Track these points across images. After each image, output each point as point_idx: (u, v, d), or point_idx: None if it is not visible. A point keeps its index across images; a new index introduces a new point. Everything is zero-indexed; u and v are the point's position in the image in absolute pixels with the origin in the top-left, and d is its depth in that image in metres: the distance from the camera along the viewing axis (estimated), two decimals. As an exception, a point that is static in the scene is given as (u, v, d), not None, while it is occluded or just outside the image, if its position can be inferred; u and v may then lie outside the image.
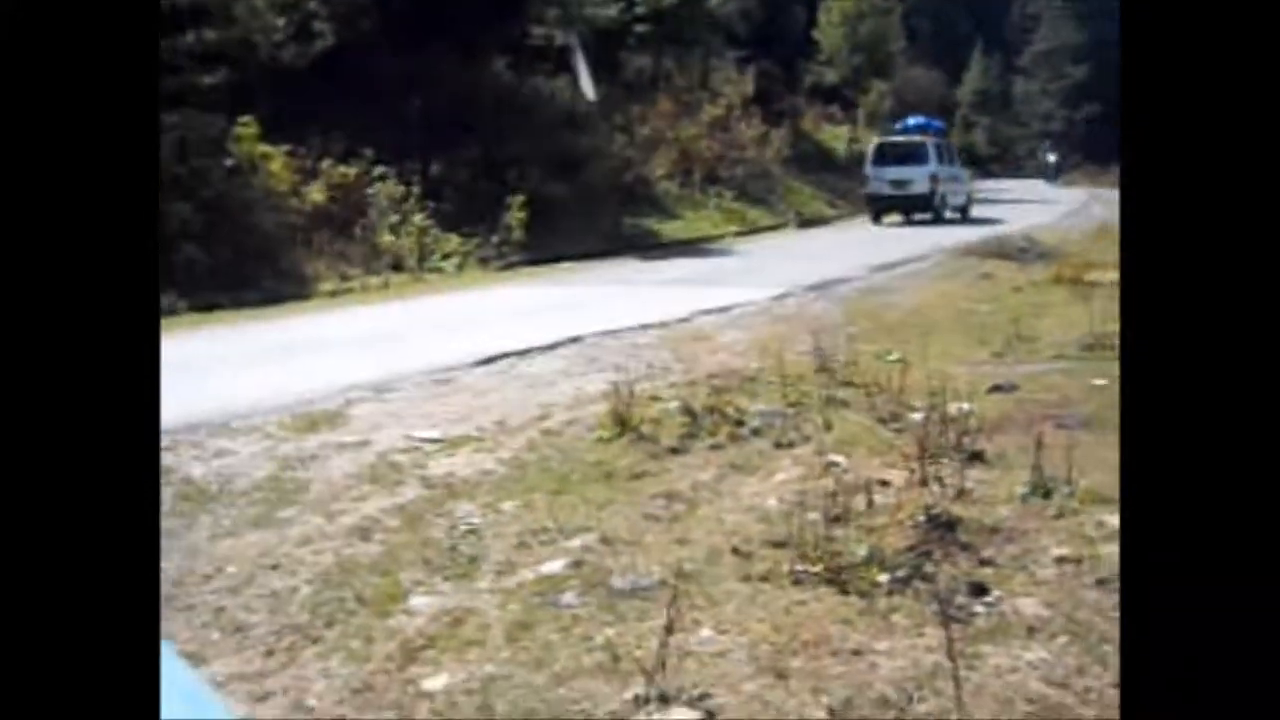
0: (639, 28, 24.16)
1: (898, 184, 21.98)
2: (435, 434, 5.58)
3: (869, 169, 22.60)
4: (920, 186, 21.85)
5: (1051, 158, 46.52)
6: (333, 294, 12.56)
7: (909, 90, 37.78)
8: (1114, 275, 11.63)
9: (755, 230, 21.14)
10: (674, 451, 5.17)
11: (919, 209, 22.12)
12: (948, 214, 22.29)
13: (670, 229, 19.58)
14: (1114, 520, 4.06)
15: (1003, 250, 14.52)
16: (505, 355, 7.64)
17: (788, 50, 32.08)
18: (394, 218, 15.16)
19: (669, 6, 23.79)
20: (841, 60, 32.12)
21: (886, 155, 22.50)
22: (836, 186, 28.10)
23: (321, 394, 6.50)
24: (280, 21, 15.71)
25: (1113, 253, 13.91)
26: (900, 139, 23.71)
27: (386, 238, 14.80)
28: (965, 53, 60.06)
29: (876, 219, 22.48)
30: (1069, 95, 62.26)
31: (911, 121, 25.77)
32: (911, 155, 22.20)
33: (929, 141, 23.06)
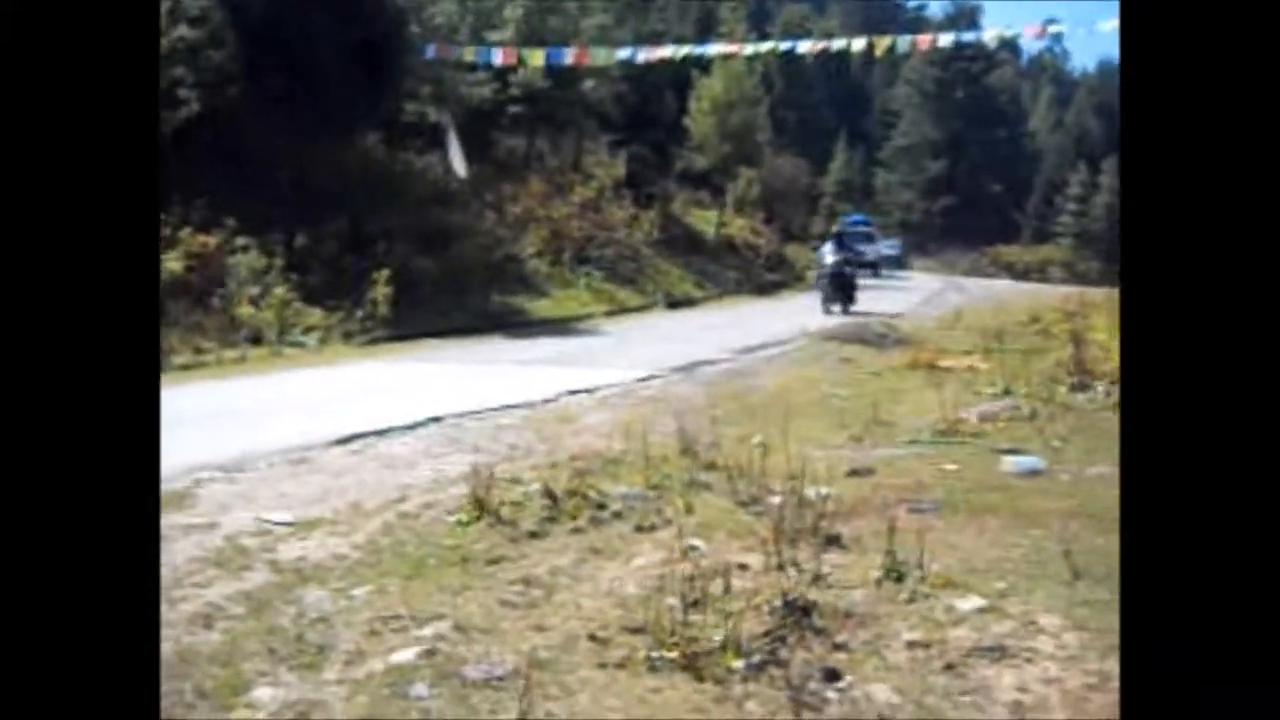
0: (513, 108, 24.38)
1: (858, 256, 30.84)
2: (287, 516, 5.40)
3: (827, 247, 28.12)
4: (870, 256, 36.31)
5: (889, 249, 48.58)
6: (185, 368, 12.13)
7: (776, 178, 38.88)
8: (966, 361, 12.07)
9: (624, 310, 21.33)
10: (533, 535, 5.11)
11: (870, 269, 34.00)
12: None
13: (539, 307, 19.60)
14: (962, 604, 4.15)
15: (862, 336, 14.94)
16: (364, 435, 7.48)
17: (659, 135, 32.72)
18: (254, 289, 14.78)
19: (542, 89, 24.09)
20: (711, 147, 32.86)
21: (848, 237, 29.66)
22: (705, 269, 28.60)
23: (168, 473, 6.22)
24: (143, 87, 15.36)
25: (965, 339, 14.48)
26: (859, 229, 37.83)
27: (246, 310, 14.40)
28: (829, 144, 62.32)
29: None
30: (927, 187, 65.05)
31: (855, 217, 41.36)
32: (868, 237, 38.53)
33: (875, 229, 41.14)
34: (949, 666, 3.60)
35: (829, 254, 22.14)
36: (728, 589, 4.21)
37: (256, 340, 13.94)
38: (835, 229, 32.75)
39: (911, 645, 3.79)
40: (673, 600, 4.11)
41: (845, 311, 20.52)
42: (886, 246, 47.12)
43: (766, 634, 3.82)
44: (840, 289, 21.46)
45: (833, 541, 4.93)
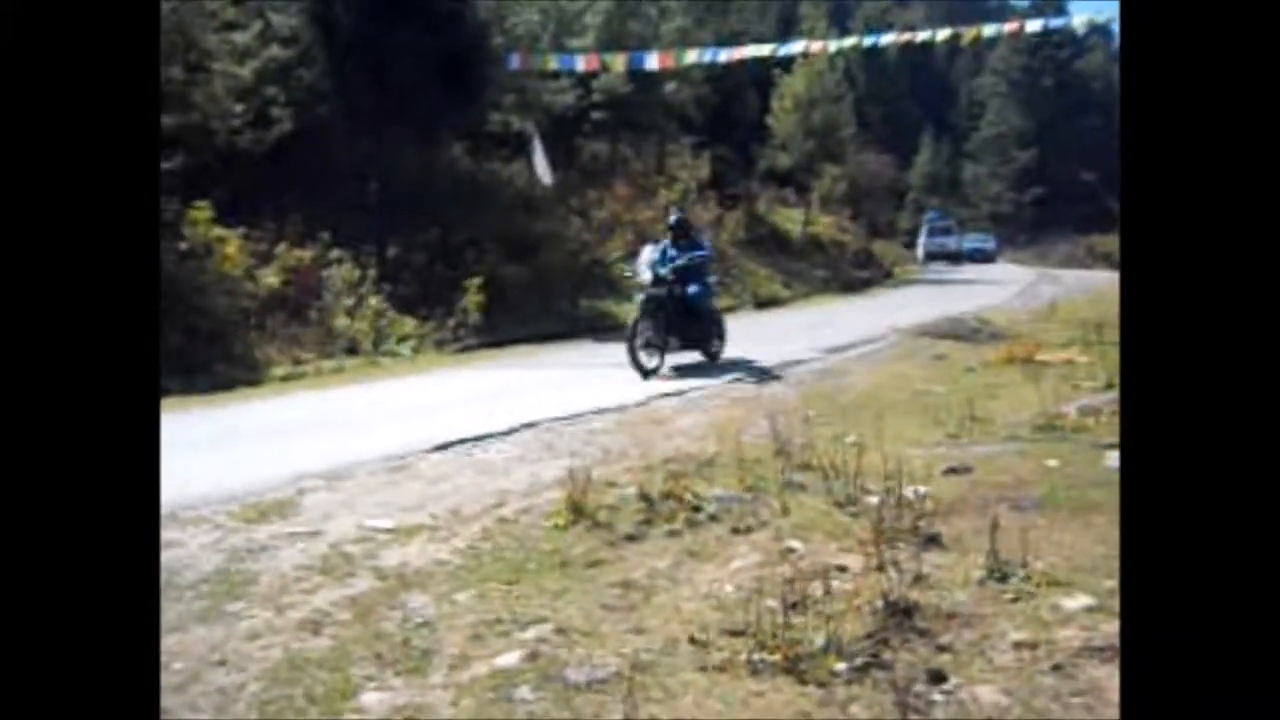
0: (595, 114, 24.50)
1: (941, 245, 45.15)
2: (388, 523, 5.50)
3: (923, 238, 45.31)
4: (953, 246, 45.37)
5: (976, 245, 47.99)
6: (285, 379, 12.44)
7: (861, 174, 38.46)
8: (1063, 355, 11.81)
9: (711, 312, 21.28)
10: (630, 539, 5.13)
11: (953, 259, 43.30)
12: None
13: (627, 311, 19.61)
14: (1069, 603, 4.07)
15: (955, 331, 14.70)
16: (460, 441, 7.58)
17: (742, 135, 32.63)
18: (349, 301, 15.10)
19: (625, 94, 24.18)
20: (795, 145, 32.68)
21: (933, 229, 46.11)
22: (791, 268, 28.41)
23: (273, 483, 6.40)
24: (239, 107, 15.78)
25: (1061, 333, 14.16)
26: (939, 223, 47.38)
27: (341, 321, 14.72)
28: (915, 138, 61.47)
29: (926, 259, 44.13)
30: (1016, 178, 63.75)
31: (934, 214, 49.55)
32: (946, 230, 47.03)
33: (953, 224, 48.33)
34: (1057, 667, 3.53)
35: (646, 266, 11.92)
36: (828, 591, 4.19)
37: (353, 350, 14.25)
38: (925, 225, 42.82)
39: (1018, 646, 3.73)
40: (772, 602, 4.10)
41: (654, 371, 11.35)
42: (978, 240, 47.41)
43: (868, 636, 3.79)
44: (665, 320, 11.68)
45: (932, 541, 4.87)
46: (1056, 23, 29.07)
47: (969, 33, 19.15)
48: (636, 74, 23.14)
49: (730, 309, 22.20)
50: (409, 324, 15.43)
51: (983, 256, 47.33)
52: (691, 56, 21.60)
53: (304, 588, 4.56)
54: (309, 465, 6.83)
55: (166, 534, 5.34)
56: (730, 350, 12.83)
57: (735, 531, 5.22)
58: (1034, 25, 23.31)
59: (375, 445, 7.46)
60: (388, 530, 5.39)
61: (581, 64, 21.40)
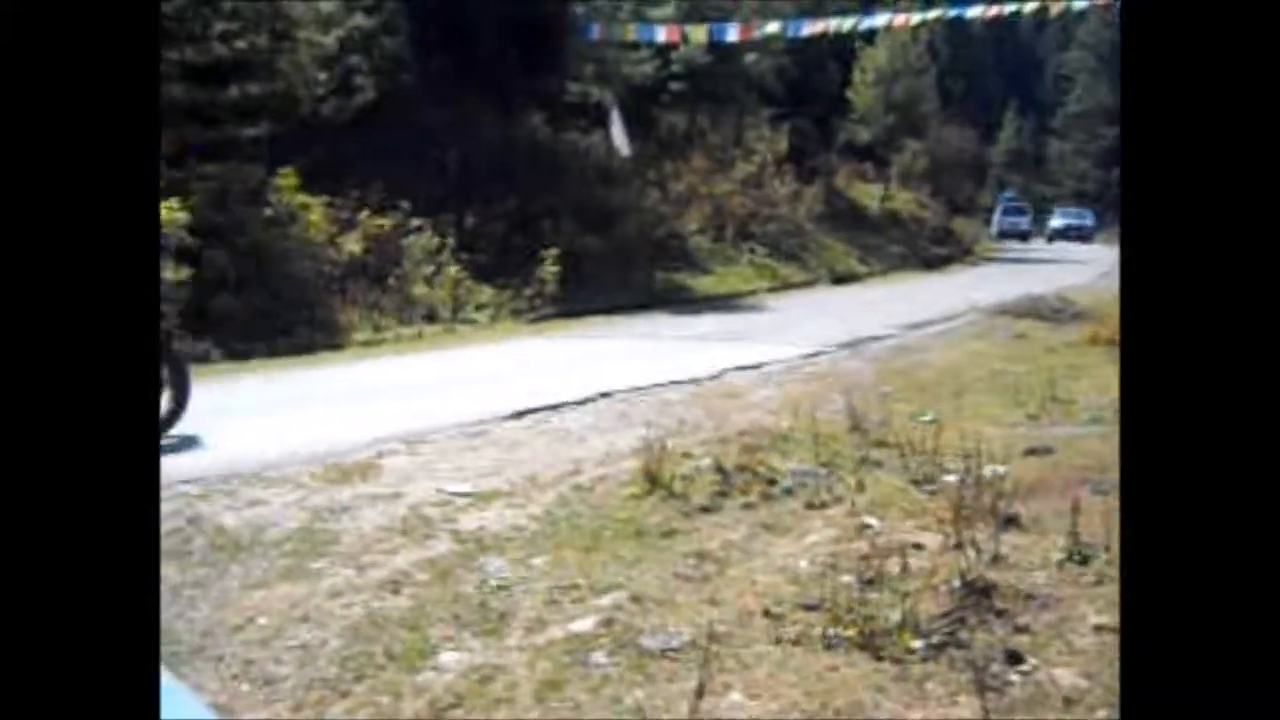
0: (674, 85, 24.41)
1: (1015, 225, 44.93)
2: (466, 488, 5.58)
3: (998, 216, 45.79)
4: (1025, 226, 45.17)
5: (1071, 221, 46.69)
6: (366, 344, 12.64)
7: (942, 150, 37.81)
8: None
9: (787, 286, 21.14)
10: (705, 510, 5.15)
11: (1023, 237, 43.85)
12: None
13: (702, 284, 19.63)
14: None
15: (1036, 310, 14.43)
16: (537, 409, 7.65)
17: (822, 108, 32.25)
18: (428, 269, 15.29)
19: (704, 65, 24.04)
20: (875, 119, 32.25)
21: (1007, 209, 46.22)
22: (868, 244, 28.09)
23: (354, 445, 6.52)
24: (322, 76, 16.00)
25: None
26: (1015, 204, 47.26)
27: (420, 289, 14.92)
28: (999, 114, 60.24)
29: (999, 235, 43.94)
30: (1103, 156, 62.25)
31: (1009, 194, 49.55)
32: (1020, 210, 46.48)
33: (1026, 205, 47.95)
34: (1139, 652, 3.48)
35: None
36: (904, 568, 4.17)
37: (431, 318, 14.44)
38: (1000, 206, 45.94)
39: (1099, 630, 3.67)
40: (848, 578, 4.09)
41: None
42: (1074, 216, 46.52)
43: (945, 615, 3.76)
44: None
45: (1011, 522, 4.81)
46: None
47: (1057, 5, 18.68)
48: (716, 45, 22.99)
49: (808, 284, 22.09)
50: (486, 292, 15.59)
51: (1078, 234, 45.43)
52: (773, 28, 21.40)
53: (384, 549, 4.65)
54: (389, 429, 6.94)
55: (252, 492, 5.47)
56: (807, 326, 12.76)
57: (810, 506, 5.20)
58: (1127, -3, 22.65)
59: (453, 411, 7.57)
60: (466, 495, 5.47)
61: (662, 35, 21.33)
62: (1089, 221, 47.43)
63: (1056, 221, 47.77)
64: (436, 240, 15.74)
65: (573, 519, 5.06)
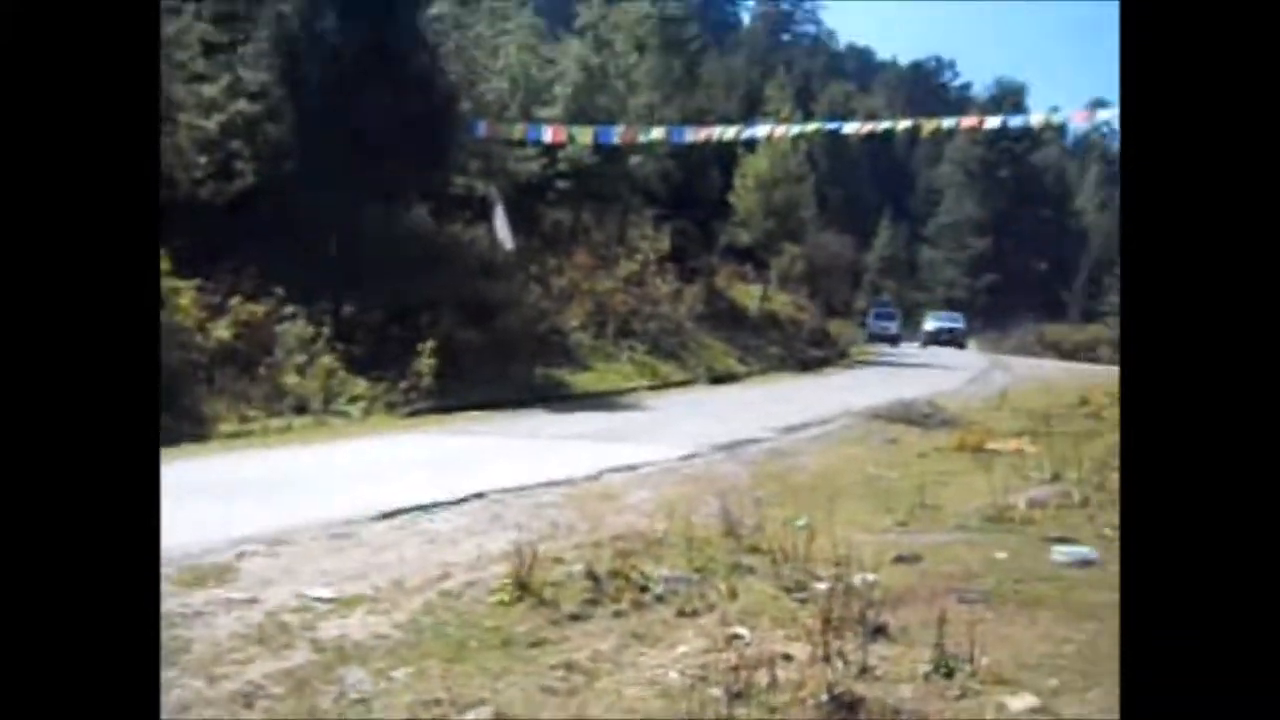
0: (560, 183, 24.68)
1: (884, 329, 47.40)
2: (329, 593, 5.38)
3: (870, 321, 48.41)
4: (894, 330, 47.63)
5: (944, 325, 48.22)
6: (232, 436, 12.24)
7: (819, 254, 38.96)
8: (1013, 444, 11.90)
9: (667, 385, 21.30)
10: (575, 618, 5.05)
11: (892, 341, 45.65)
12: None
13: (582, 380, 19.64)
14: (1014, 703, 4.04)
15: (908, 415, 14.80)
16: (407, 510, 7.47)
17: (704, 211, 32.99)
18: (301, 358, 14.94)
19: (590, 165, 24.39)
20: (755, 223, 33.07)
21: (878, 314, 49.08)
22: (747, 344, 28.58)
23: (212, 546, 6.24)
24: (202, 159, 15.72)
25: (1011, 422, 14.29)
26: (886, 310, 50.31)
27: (292, 379, 14.54)
28: (874, 221, 62.52)
29: (870, 339, 45.32)
30: (971, 264, 64.93)
31: (882, 300, 53.12)
32: (889, 316, 49.22)
33: (895, 311, 50.62)
34: (1002, 770, 3.49)
35: None
36: (773, 681, 4.13)
37: (302, 409, 14.05)
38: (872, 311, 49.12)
39: (963, 746, 3.68)
40: (716, 691, 4.04)
41: None
42: (947, 320, 48.08)
43: (813, 730, 3.73)
44: None
45: (880, 632, 4.83)
46: (1015, 120, 29.80)
47: (928, 125, 19.58)
48: (602, 147, 23.39)
49: (688, 383, 22.29)
50: (361, 385, 15.27)
51: (951, 337, 46.45)
52: (657, 134, 21.88)
53: (238, 658, 4.43)
54: (250, 529, 6.68)
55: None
56: (685, 426, 12.83)
57: (682, 614, 5.15)
58: (993, 121, 23.89)
59: (319, 510, 7.33)
60: (328, 600, 5.28)
61: (549, 135, 21.62)
62: (961, 325, 48.76)
63: (930, 325, 48.85)
64: (311, 329, 15.43)
65: (439, 627, 4.91)
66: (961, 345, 45.94)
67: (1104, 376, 21.09)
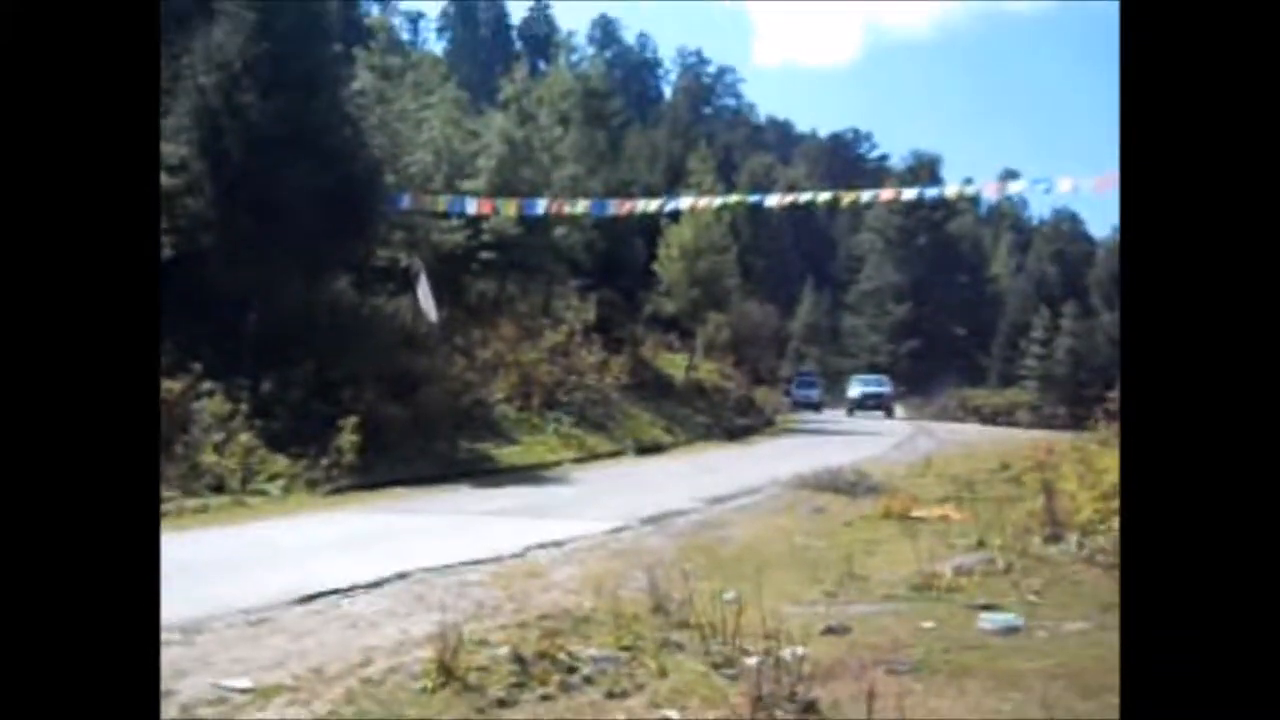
0: (484, 254, 24.65)
1: (806, 397, 48.36)
2: (246, 683, 5.20)
3: (793, 388, 49.40)
4: (816, 398, 48.90)
5: (870, 390, 47.98)
6: (147, 516, 11.85)
7: (744, 323, 39.34)
8: (938, 511, 12.01)
9: (594, 457, 21.17)
10: (501, 703, 4.94)
11: (815, 408, 47.19)
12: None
13: (507, 454, 19.44)
14: (947, 780, 4.01)
15: (834, 484, 14.88)
16: (327, 593, 7.28)
17: (629, 280, 33.23)
18: (218, 435, 14.59)
19: (514, 236, 24.43)
20: (680, 292, 33.36)
21: (800, 383, 50.48)
22: (674, 413, 28.60)
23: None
24: (116, 234, 15.43)
25: (936, 488, 14.44)
26: (808, 378, 52.42)
27: (209, 457, 14.18)
28: (797, 289, 63.48)
29: (794, 406, 45.65)
30: (892, 330, 66.08)
31: (805, 368, 55.75)
32: (812, 384, 50.75)
33: (817, 379, 52.59)
34: None
35: None
36: (704, 765, 4.06)
37: (219, 488, 13.69)
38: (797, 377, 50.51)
39: (896, 827, 3.64)
40: (646, 777, 3.95)
41: None
42: (873, 383, 49.31)
43: (745, 815, 3.66)
44: None
45: (810, 708, 4.79)
46: (931, 192, 30.57)
47: (847, 196, 19.99)
48: (527, 218, 23.47)
49: (615, 454, 22.20)
50: (280, 462, 14.93)
51: (877, 402, 45.73)
52: (582, 206, 22.02)
53: (145, 757, 4.23)
54: (163, 616, 6.44)
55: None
56: (612, 500, 12.74)
57: (610, 696, 5.06)
58: (909, 193, 24.46)
59: (236, 595, 7.10)
60: (245, 691, 5.09)
61: (473, 207, 21.66)
62: (888, 389, 47.95)
63: (854, 390, 47.64)
64: (229, 405, 15.11)
65: (360, 716, 4.75)
66: (889, 411, 45.39)
67: (1023, 440, 21.46)
